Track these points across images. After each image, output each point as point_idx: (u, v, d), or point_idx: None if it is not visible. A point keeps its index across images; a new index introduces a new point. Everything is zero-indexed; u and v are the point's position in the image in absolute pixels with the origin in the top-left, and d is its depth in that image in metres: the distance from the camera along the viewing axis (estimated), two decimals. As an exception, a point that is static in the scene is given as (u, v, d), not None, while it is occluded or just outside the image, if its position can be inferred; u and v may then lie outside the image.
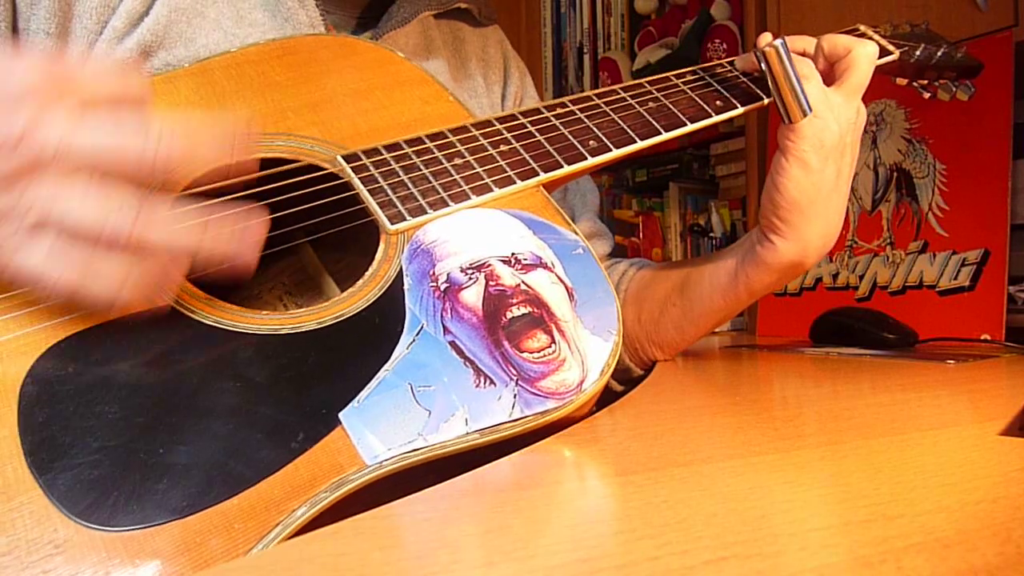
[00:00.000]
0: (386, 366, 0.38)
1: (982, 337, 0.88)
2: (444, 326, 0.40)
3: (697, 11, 1.47)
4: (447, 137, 0.50)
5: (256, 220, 0.37)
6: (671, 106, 0.56)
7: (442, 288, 0.42)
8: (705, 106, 0.57)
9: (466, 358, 0.39)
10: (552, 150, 0.51)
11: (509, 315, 0.41)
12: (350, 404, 0.36)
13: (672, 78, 0.59)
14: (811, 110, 0.53)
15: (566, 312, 0.42)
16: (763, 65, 0.54)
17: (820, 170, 0.54)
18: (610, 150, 0.52)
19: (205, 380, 0.35)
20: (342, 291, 0.42)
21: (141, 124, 0.33)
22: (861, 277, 1.04)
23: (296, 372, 0.37)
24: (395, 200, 0.45)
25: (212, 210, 0.36)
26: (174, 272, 0.35)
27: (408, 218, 0.45)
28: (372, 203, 0.45)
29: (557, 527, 0.25)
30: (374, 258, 0.43)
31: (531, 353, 0.40)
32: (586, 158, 0.51)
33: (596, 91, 0.57)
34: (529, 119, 0.53)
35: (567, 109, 0.54)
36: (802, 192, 0.54)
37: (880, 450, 0.34)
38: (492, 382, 0.38)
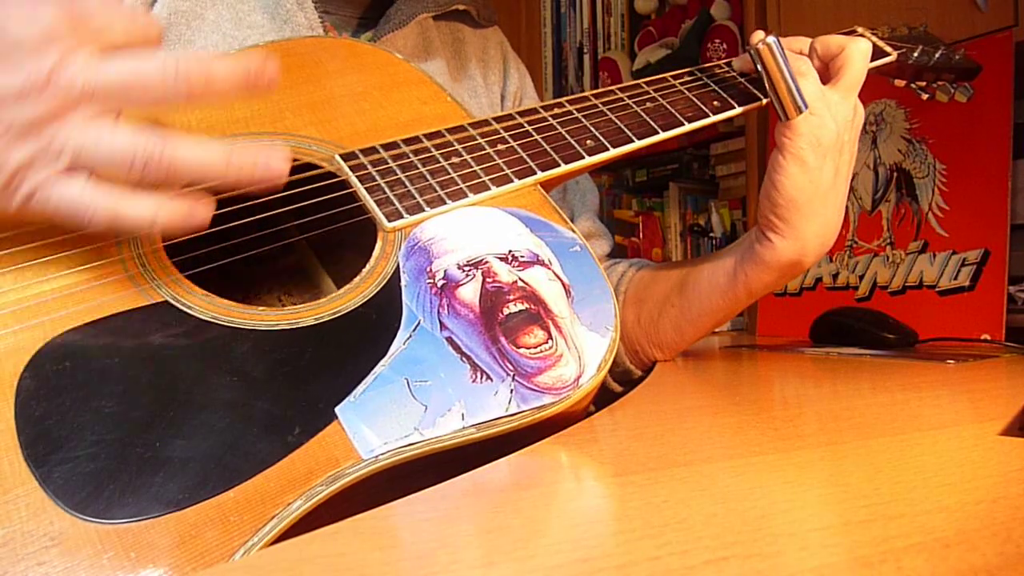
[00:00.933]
0: (383, 361, 0.38)
1: (982, 337, 0.88)
2: (441, 322, 0.40)
3: (697, 11, 1.47)
4: (444, 136, 0.50)
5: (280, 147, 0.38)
6: (668, 106, 0.56)
7: (439, 285, 0.42)
8: (703, 106, 0.57)
9: (463, 353, 0.39)
10: (549, 149, 0.51)
11: (506, 311, 0.41)
12: (346, 399, 0.36)
13: (670, 79, 0.59)
14: (807, 106, 0.53)
15: (563, 308, 0.42)
16: (758, 63, 0.54)
17: (818, 168, 0.54)
18: (607, 149, 0.52)
19: (202, 375, 0.35)
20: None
21: (160, 61, 0.35)
22: (861, 277, 1.04)
23: (293, 367, 0.37)
24: (392, 198, 0.45)
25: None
26: (205, 190, 0.37)
27: (405, 216, 0.45)
28: (369, 201, 0.45)
29: (557, 527, 0.25)
30: (371, 256, 0.43)
31: (528, 349, 0.40)
32: (583, 157, 0.51)
33: (593, 92, 0.57)
34: (526, 119, 0.53)
35: (564, 109, 0.54)
36: (800, 190, 0.54)
37: (880, 450, 0.34)
38: (489, 377, 0.38)
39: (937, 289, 0.95)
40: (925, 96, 0.72)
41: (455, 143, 0.50)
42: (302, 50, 0.54)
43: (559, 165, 0.50)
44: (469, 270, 0.43)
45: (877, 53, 0.66)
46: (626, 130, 0.54)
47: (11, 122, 0.33)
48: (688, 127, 0.55)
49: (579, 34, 1.77)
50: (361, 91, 0.53)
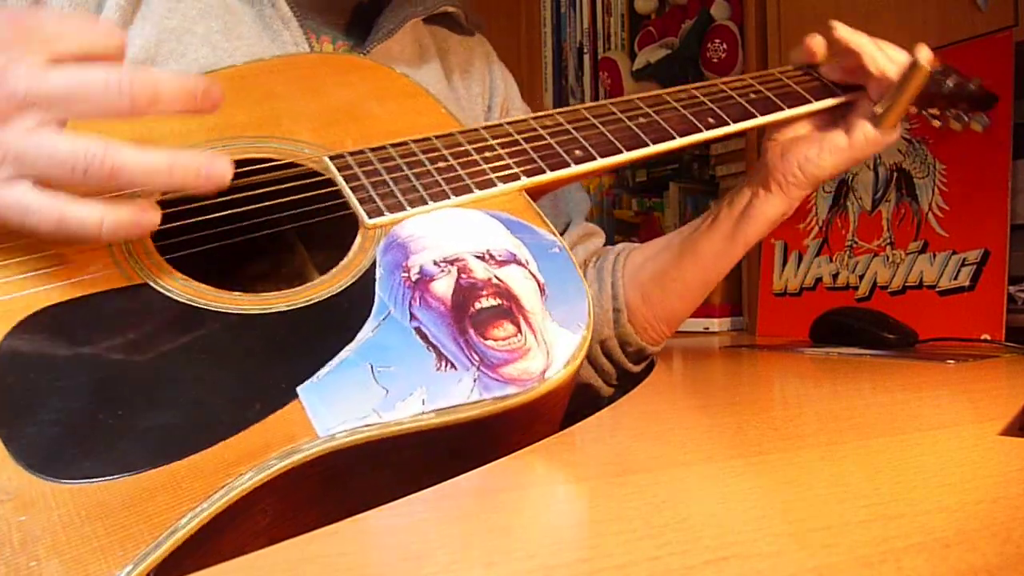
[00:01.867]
0: (349, 347, 0.38)
1: (982, 337, 0.88)
2: (411, 313, 0.41)
3: (697, 11, 1.47)
4: (432, 142, 0.51)
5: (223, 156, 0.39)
6: (662, 121, 0.56)
7: (413, 279, 0.42)
8: (696, 122, 0.57)
9: (430, 343, 0.40)
10: (536, 157, 0.52)
11: (477, 305, 0.42)
12: (309, 379, 0.37)
13: (665, 96, 0.59)
14: (898, 130, 0.59)
15: (535, 305, 0.43)
16: (909, 73, 0.57)
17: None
18: (595, 159, 0.53)
19: (173, 352, 0.37)
20: None
21: (105, 72, 0.35)
22: (861, 277, 1.04)
23: (261, 349, 0.38)
24: (375, 196, 0.46)
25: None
26: (149, 195, 0.38)
27: (386, 213, 0.46)
28: (352, 198, 0.46)
29: (557, 527, 0.25)
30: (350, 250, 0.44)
31: (496, 341, 0.40)
32: (569, 165, 0.52)
33: (586, 105, 0.57)
34: (516, 128, 0.54)
35: (555, 120, 0.55)
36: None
37: (880, 450, 0.34)
38: (453, 366, 0.39)
39: (937, 289, 0.95)
40: (937, 124, 0.71)
41: (442, 148, 0.51)
42: (305, 64, 0.56)
43: (544, 172, 0.51)
44: (445, 266, 0.43)
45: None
46: (616, 142, 0.54)
47: None
48: (680, 142, 0.55)
49: (579, 34, 1.77)
50: (358, 102, 0.54)
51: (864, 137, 0.58)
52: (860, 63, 0.59)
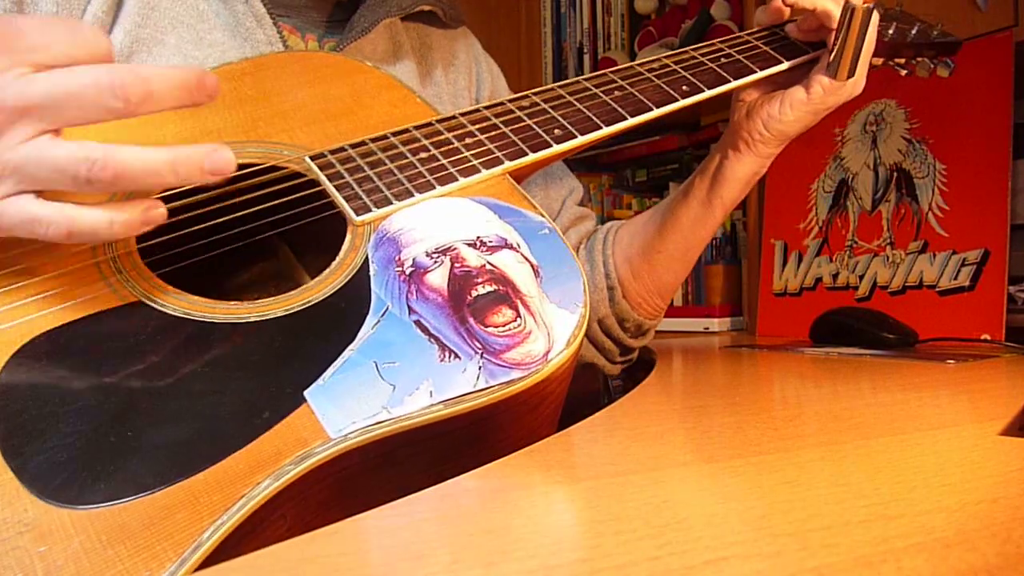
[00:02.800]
0: (351, 346, 0.38)
1: (982, 337, 0.88)
2: (409, 307, 0.41)
3: (697, 11, 1.47)
4: (411, 132, 0.51)
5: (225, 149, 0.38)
6: (637, 93, 0.56)
7: (407, 272, 0.42)
8: (671, 91, 0.57)
9: (431, 335, 0.40)
10: (517, 139, 0.52)
11: (474, 293, 0.42)
12: (315, 382, 0.37)
13: (637, 67, 0.59)
14: (852, 76, 0.59)
15: (532, 288, 0.43)
16: (847, 18, 0.57)
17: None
18: (575, 137, 0.53)
19: (174, 366, 0.37)
20: None
21: (94, 74, 0.34)
22: (861, 277, 1.04)
23: (262, 356, 0.38)
24: (360, 193, 0.46)
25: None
26: (155, 189, 0.37)
27: (373, 209, 0.45)
28: (338, 197, 0.46)
29: (557, 527, 0.25)
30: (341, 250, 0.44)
31: (496, 327, 0.40)
32: (551, 145, 0.52)
33: (560, 83, 0.57)
34: (493, 111, 0.54)
35: (531, 101, 0.55)
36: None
37: (880, 450, 0.34)
38: (457, 356, 0.39)
39: (937, 289, 0.95)
40: (904, 72, 0.73)
41: (422, 138, 0.51)
42: (274, 64, 0.55)
43: (527, 154, 0.51)
44: (437, 257, 0.43)
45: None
46: (594, 118, 0.54)
47: None
48: (657, 112, 0.56)
49: (579, 34, 1.77)
50: (332, 98, 0.54)
51: (821, 88, 0.59)
52: (816, 18, 0.61)
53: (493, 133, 0.52)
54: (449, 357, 0.39)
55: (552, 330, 0.41)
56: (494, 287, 0.42)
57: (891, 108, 1.04)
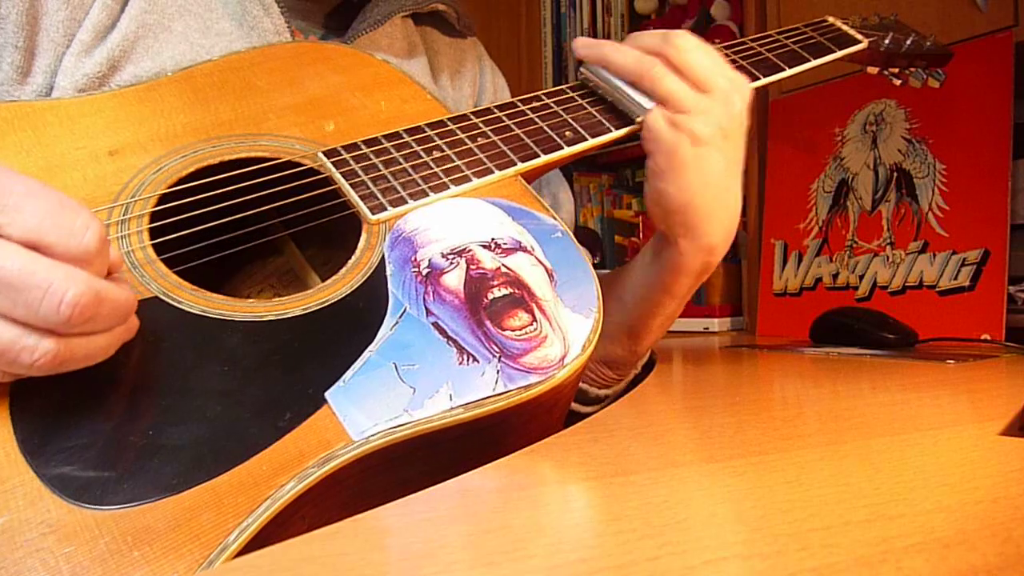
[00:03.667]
0: (371, 347, 0.38)
1: (982, 337, 0.88)
2: (427, 308, 0.41)
3: (697, 11, 1.47)
4: (425, 132, 0.51)
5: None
6: None
7: (424, 273, 0.42)
8: None
9: (449, 337, 0.40)
10: (529, 141, 0.52)
11: (490, 296, 0.42)
12: (336, 383, 0.36)
13: None
14: (647, 108, 0.52)
15: (547, 292, 0.43)
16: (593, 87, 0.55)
17: (696, 164, 0.51)
18: (585, 139, 0.53)
19: (194, 365, 0.36)
20: None
21: (49, 282, 0.30)
22: (861, 277, 1.04)
23: (282, 356, 0.38)
24: (376, 192, 0.46)
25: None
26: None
27: (389, 208, 0.45)
28: (353, 195, 0.46)
29: (557, 527, 0.25)
30: (357, 249, 0.44)
31: (513, 331, 0.41)
32: (562, 147, 0.52)
33: (570, 84, 0.57)
34: (505, 112, 0.54)
35: (542, 103, 0.55)
36: (685, 191, 0.51)
37: (880, 450, 0.34)
38: (475, 359, 0.39)
39: (937, 289, 0.95)
40: (898, 82, 0.74)
41: (435, 137, 0.51)
42: (284, 55, 0.55)
43: (539, 156, 0.51)
44: (453, 258, 0.43)
45: (848, 41, 0.68)
46: (605, 121, 0.54)
47: None
48: None
49: (579, 34, 1.77)
50: (343, 92, 0.54)
51: (645, 143, 0.52)
52: None
53: (505, 135, 0.52)
54: (468, 360, 0.39)
55: (567, 334, 0.41)
56: (509, 290, 0.42)
57: (891, 108, 1.04)
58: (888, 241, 1.02)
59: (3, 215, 0.31)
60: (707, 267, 0.55)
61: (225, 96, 0.50)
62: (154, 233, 0.42)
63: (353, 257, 0.43)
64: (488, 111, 0.54)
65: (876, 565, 0.20)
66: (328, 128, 0.51)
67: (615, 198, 1.69)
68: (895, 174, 1.03)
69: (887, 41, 0.70)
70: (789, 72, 0.61)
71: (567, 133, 0.53)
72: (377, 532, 0.25)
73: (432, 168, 0.48)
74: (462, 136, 0.51)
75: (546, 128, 0.53)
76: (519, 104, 0.55)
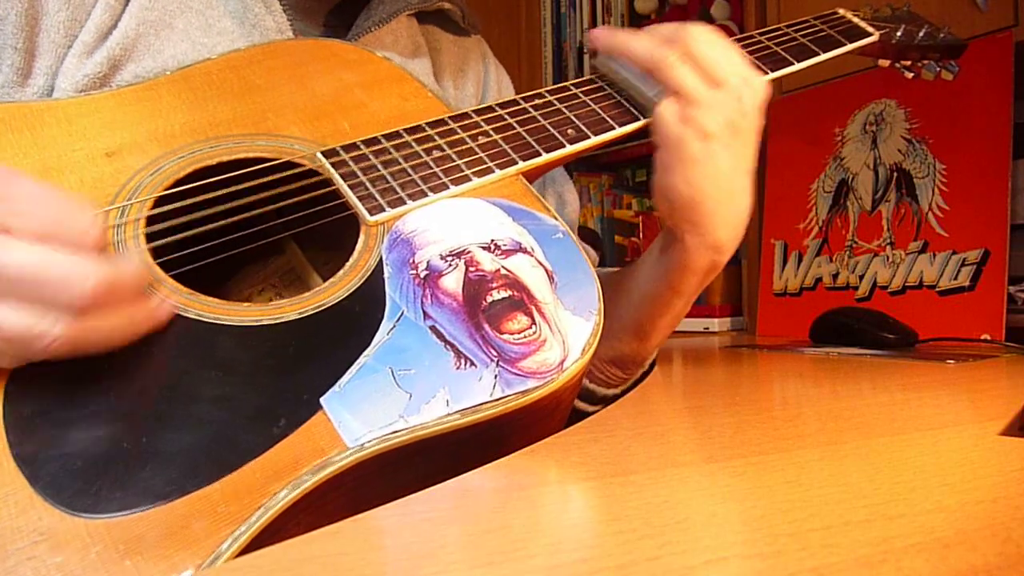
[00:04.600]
0: (366, 352, 0.38)
1: (982, 337, 0.88)
2: (424, 312, 0.40)
3: (697, 11, 1.47)
4: (425, 131, 0.50)
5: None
6: None
7: (422, 275, 0.42)
8: None
9: (446, 341, 0.39)
10: (531, 140, 0.51)
11: (489, 299, 0.41)
12: (331, 389, 0.36)
13: None
14: (657, 100, 0.51)
15: (546, 294, 0.42)
16: (603, 81, 0.55)
17: (706, 159, 0.50)
18: (588, 137, 0.52)
19: (187, 371, 0.36)
20: None
21: (69, 269, 0.32)
22: (861, 277, 1.04)
23: (277, 361, 0.37)
24: (374, 193, 0.46)
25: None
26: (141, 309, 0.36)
27: (387, 209, 0.45)
28: (351, 196, 0.45)
29: (557, 527, 0.25)
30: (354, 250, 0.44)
31: (511, 335, 0.40)
32: (564, 146, 0.51)
33: (574, 81, 0.57)
34: (507, 110, 0.53)
35: (545, 99, 0.54)
36: (695, 187, 0.50)
37: (880, 450, 0.34)
38: (473, 364, 0.38)
39: (937, 289, 0.95)
40: (910, 75, 0.72)
41: (436, 137, 0.50)
42: (283, 52, 0.54)
43: (540, 155, 0.50)
44: (452, 260, 0.43)
45: (859, 34, 0.66)
46: (608, 118, 0.54)
47: None
48: None
49: (579, 34, 1.77)
50: (342, 90, 0.53)
51: (654, 138, 0.52)
52: None
53: (507, 133, 0.51)
54: (465, 365, 0.38)
55: (567, 338, 0.41)
56: (508, 292, 0.42)
57: (891, 108, 1.04)
58: (888, 241, 1.02)
59: (14, 216, 0.32)
60: (714, 266, 0.55)
61: (223, 95, 0.49)
62: (152, 236, 0.41)
63: (351, 259, 0.43)
64: (490, 109, 0.53)
65: (876, 565, 0.20)
66: (328, 127, 0.50)
67: (615, 198, 1.69)
68: (895, 174, 1.03)
69: (899, 33, 0.69)
70: (798, 66, 0.60)
71: (570, 131, 0.52)
72: (377, 532, 0.25)
73: (432, 168, 0.48)
74: (463, 135, 0.51)
75: (548, 126, 0.52)
76: (521, 101, 0.54)
